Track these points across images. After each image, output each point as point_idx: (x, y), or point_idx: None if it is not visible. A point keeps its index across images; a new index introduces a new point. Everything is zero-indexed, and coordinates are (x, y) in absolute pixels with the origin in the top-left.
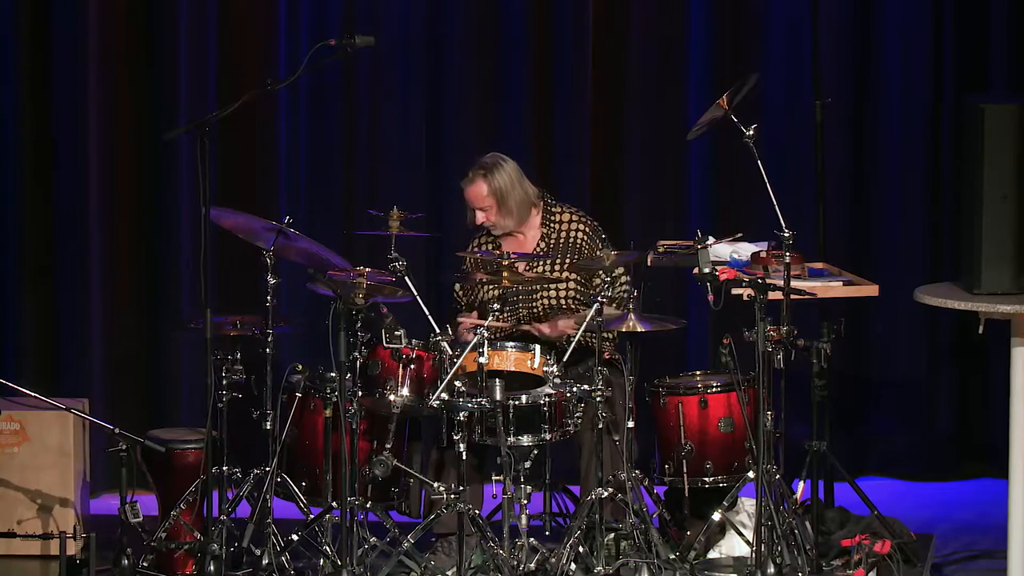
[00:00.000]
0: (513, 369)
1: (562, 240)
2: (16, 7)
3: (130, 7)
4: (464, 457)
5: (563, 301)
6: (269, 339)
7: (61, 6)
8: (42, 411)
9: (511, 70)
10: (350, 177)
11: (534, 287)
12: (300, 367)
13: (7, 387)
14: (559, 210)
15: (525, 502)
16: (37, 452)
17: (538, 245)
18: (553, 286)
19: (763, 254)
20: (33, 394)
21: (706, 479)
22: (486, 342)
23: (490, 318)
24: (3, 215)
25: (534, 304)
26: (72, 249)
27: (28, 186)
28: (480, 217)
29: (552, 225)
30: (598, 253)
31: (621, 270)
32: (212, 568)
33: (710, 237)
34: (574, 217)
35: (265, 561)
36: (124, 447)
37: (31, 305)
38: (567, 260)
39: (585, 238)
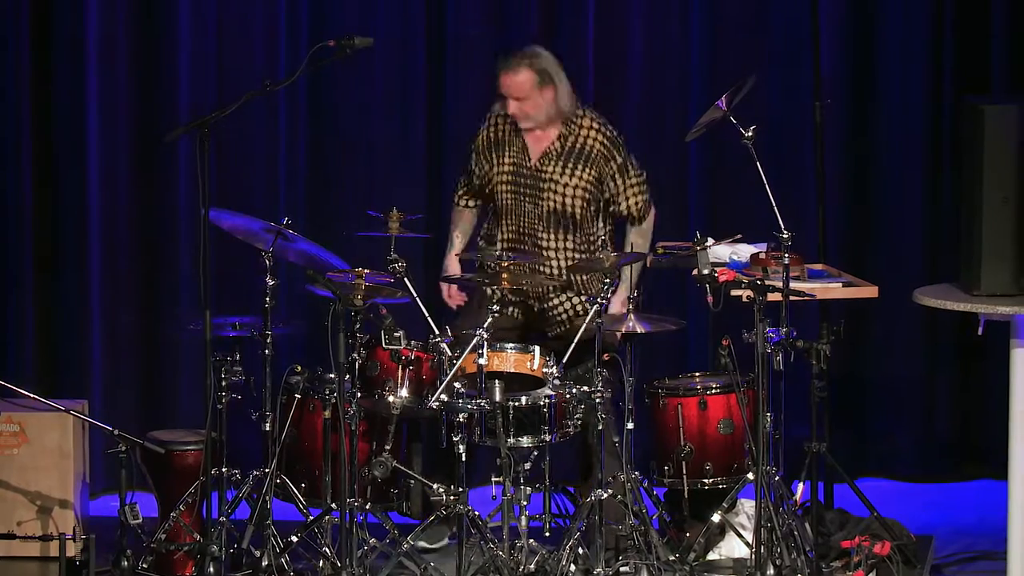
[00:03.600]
0: (513, 370)
1: (578, 145)
2: (18, 7)
3: (130, 7)
4: (464, 459)
5: (569, 206)
6: (268, 340)
7: (61, 5)
8: (41, 412)
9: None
10: (348, 177)
11: (541, 185)
12: (299, 368)
13: (6, 388)
14: (582, 113)
15: (525, 503)
16: (36, 453)
17: (554, 144)
18: (561, 189)
19: (762, 255)
20: (32, 395)
21: (706, 480)
22: (486, 344)
23: (489, 319)
24: (4, 215)
25: (540, 203)
26: (72, 250)
27: (34, 186)
28: (513, 107)
29: (572, 127)
30: (598, 254)
31: (635, 181)
32: (212, 569)
33: (709, 239)
34: (595, 124)
35: (265, 562)
36: (123, 448)
37: (30, 306)
38: (579, 165)
39: (602, 148)
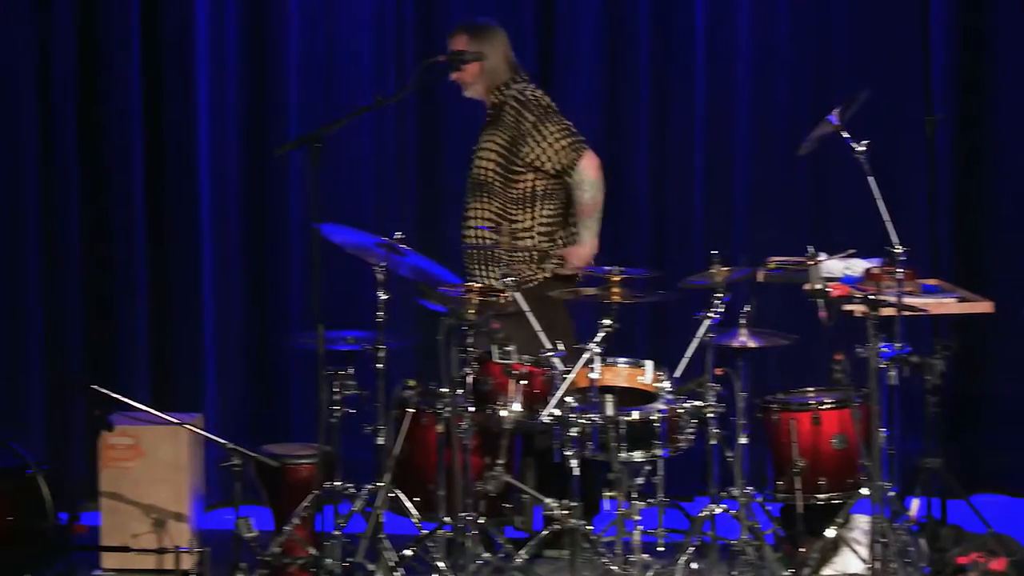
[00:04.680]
0: (625, 385)
1: (499, 113)
2: (127, 19)
3: (241, 15)
4: (576, 473)
5: (482, 173)
6: (381, 354)
7: (171, 11)
8: (156, 426)
9: (627, 73)
10: (459, 190)
11: (473, 155)
12: (412, 383)
13: (122, 402)
14: (518, 85)
15: (637, 518)
16: (151, 467)
17: (487, 114)
18: (483, 154)
19: (876, 270)
20: (147, 409)
21: (819, 496)
22: (598, 358)
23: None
24: (116, 230)
25: (471, 171)
26: (184, 264)
27: (146, 200)
28: (454, 74)
29: (500, 95)
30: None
31: (554, 131)
32: None
33: (822, 253)
34: (516, 90)
35: None
36: (238, 462)
37: (144, 320)
38: (496, 131)
39: (511, 110)
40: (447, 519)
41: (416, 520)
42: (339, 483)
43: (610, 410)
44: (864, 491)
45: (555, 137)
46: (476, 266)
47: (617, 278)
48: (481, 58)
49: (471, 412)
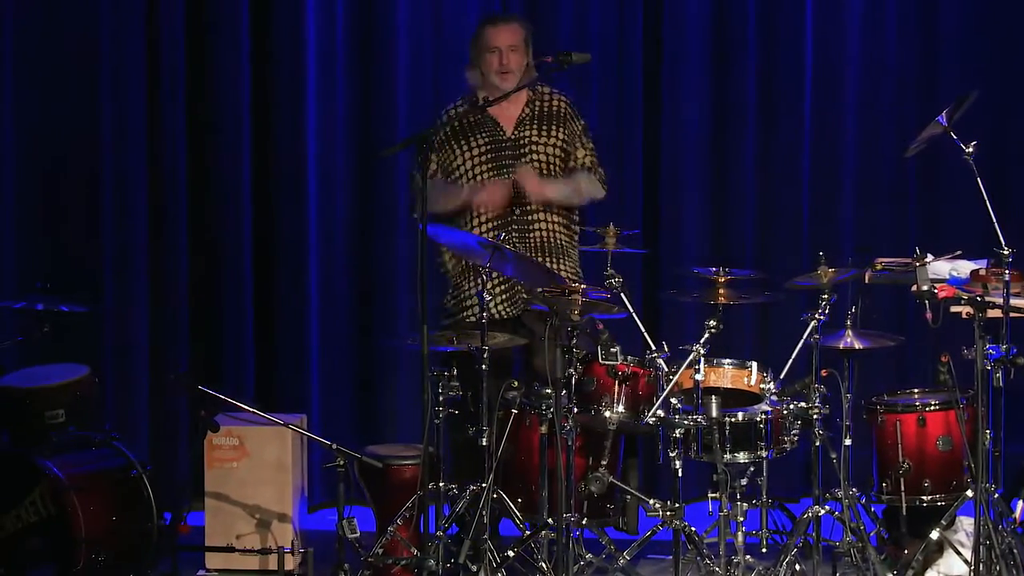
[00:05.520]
0: (729, 386)
1: (547, 109)
2: (235, 16)
3: (350, 19)
4: (680, 475)
5: (548, 166)
6: (485, 355)
7: (281, 14)
8: (261, 426)
9: (736, 79)
10: None
11: (521, 148)
12: (516, 383)
13: (227, 403)
14: (543, 88)
15: (741, 519)
16: (256, 467)
17: (524, 111)
18: (541, 149)
19: (982, 272)
20: (252, 410)
21: (924, 497)
22: (702, 359)
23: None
24: (224, 234)
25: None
26: (290, 266)
27: (253, 201)
28: (501, 60)
29: (537, 94)
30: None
31: (591, 146)
32: None
33: (928, 255)
34: (555, 92)
35: None
36: (341, 462)
37: (250, 321)
38: (552, 125)
39: (568, 108)
40: (550, 520)
41: (519, 521)
42: (442, 484)
43: (715, 411)
44: (969, 493)
45: (591, 151)
46: (548, 260)
47: (723, 279)
48: (588, 59)
49: (575, 413)
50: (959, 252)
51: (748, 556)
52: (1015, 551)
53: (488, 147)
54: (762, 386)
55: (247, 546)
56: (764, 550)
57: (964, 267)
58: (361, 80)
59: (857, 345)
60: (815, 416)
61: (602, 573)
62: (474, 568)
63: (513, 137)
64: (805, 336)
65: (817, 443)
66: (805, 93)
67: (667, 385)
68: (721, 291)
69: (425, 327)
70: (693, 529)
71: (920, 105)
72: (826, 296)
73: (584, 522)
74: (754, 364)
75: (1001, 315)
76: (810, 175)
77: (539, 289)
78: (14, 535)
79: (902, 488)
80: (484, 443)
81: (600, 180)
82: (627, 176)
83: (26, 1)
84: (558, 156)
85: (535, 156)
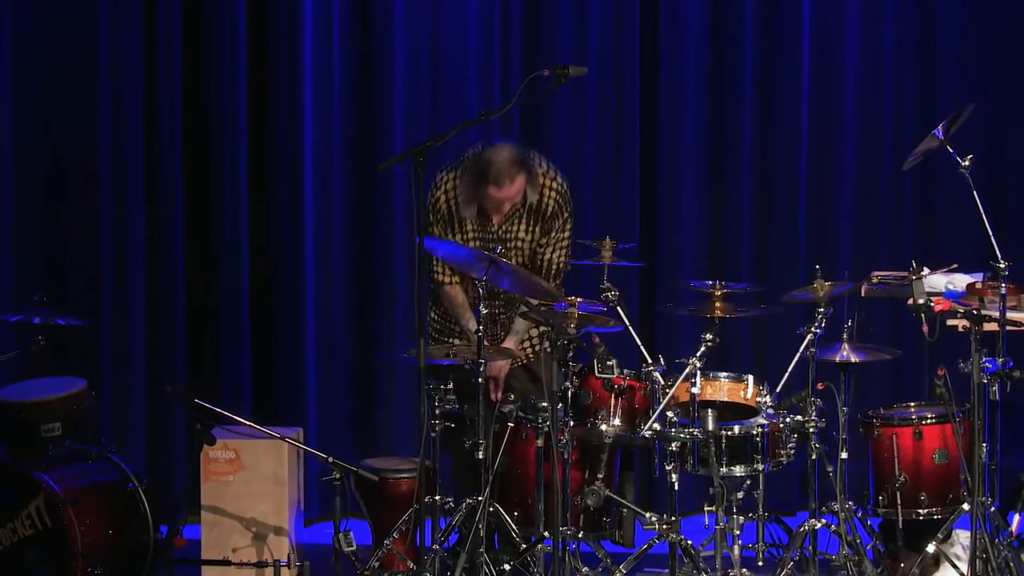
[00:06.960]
0: (726, 399)
1: (537, 204)
2: (233, 31)
3: (347, 29)
4: (676, 488)
5: (523, 260)
6: (481, 368)
7: (278, 22)
8: (257, 440)
9: (733, 92)
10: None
11: (508, 244)
12: (512, 396)
13: (224, 416)
14: (542, 170)
15: (737, 532)
16: (252, 480)
17: (516, 206)
18: (521, 245)
19: (979, 285)
20: (248, 423)
21: (920, 511)
22: (699, 372)
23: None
24: (221, 245)
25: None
26: (287, 279)
27: (250, 215)
28: (503, 207)
29: (533, 179)
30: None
31: (567, 236)
32: None
33: (925, 268)
34: (554, 182)
35: None
36: (338, 476)
37: (247, 335)
38: (537, 222)
39: (555, 205)
40: (546, 533)
41: (515, 534)
42: (439, 497)
43: (711, 424)
44: (965, 506)
45: (565, 244)
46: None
47: (719, 292)
48: (585, 72)
49: (571, 426)
50: (955, 265)
51: (744, 569)
52: (1011, 564)
53: (475, 235)
54: (758, 399)
55: (243, 559)
56: (760, 563)
57: (960, 280)
58: (358, 94)
59: (853, 358)
60: (811, 429)
61: None
62: None
63: (499, 231)
64: (801, 349)
65: (813, 456)
66: (802, 107)
67: (663, 398)
68: (717, 304)
69: (422, 340)
70: (689, 542)
71: (918, 119)
72: (822, 309)
73: (580, 535)
74: (750, 377)
75: (997, 328)
76: (806, 189)
77: (535, 302)
78: (10, 548)
79: (898, 501)
80: (480, 456)
81: (558, 287)
82: (623, 190)
83: (25, 2)
84: (531, 251)
85: (517, 254)
